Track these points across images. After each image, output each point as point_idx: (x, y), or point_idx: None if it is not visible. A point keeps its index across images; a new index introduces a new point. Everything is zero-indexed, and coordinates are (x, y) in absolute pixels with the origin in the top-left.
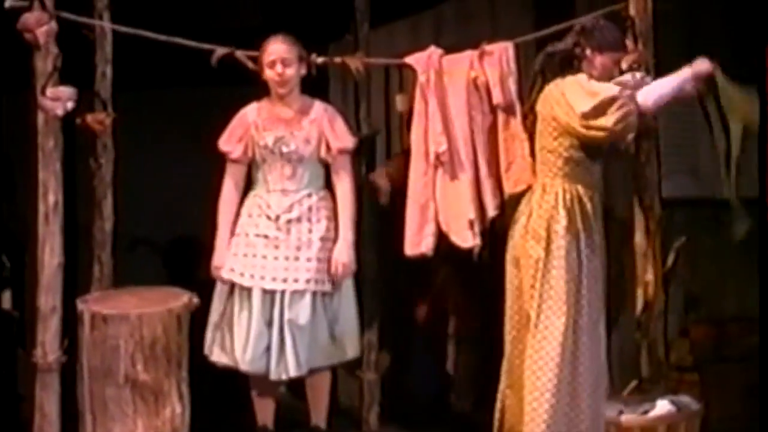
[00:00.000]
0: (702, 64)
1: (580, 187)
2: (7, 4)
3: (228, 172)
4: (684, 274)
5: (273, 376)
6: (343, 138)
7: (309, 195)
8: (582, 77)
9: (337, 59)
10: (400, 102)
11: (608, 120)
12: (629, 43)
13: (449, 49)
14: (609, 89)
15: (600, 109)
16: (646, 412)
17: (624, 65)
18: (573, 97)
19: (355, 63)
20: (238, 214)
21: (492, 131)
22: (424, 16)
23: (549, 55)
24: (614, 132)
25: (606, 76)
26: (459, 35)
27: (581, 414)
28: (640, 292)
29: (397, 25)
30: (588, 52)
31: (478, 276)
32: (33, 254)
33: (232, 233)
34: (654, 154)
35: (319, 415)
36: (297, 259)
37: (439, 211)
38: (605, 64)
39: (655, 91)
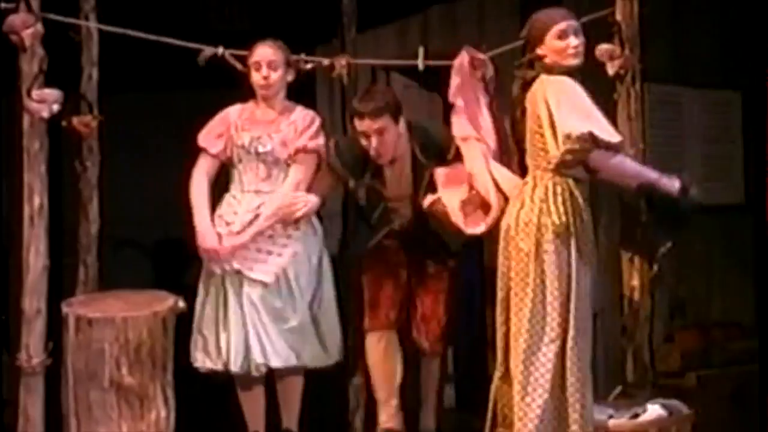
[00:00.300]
0: (672, 183)
1: (570, 181)
2: None
3: (199, 163)
4: (670, 279)
5: (254, 372)
6: (305, 137)
7: None
8: (567, 86)
9: (325, 60)
10: None
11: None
12: (616, 48)
13: (436, 55)
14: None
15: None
16: (636, 416)
17: (611, 71)
18: (559, 112)
19: (341, 62)
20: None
21: None
22: (411, 21)
23: (519, 77)
24: (564, 156)
25: (565, 54)
26: (446, 39)
27: (571, 410)
28: (626, 298)
29: (384, 29)
30: (537, 50)
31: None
32: (17, 257)
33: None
34: (640, 160)
35: (291, 420)
36: (270, 253)
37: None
38: (554, 47)
39: (617, 165)
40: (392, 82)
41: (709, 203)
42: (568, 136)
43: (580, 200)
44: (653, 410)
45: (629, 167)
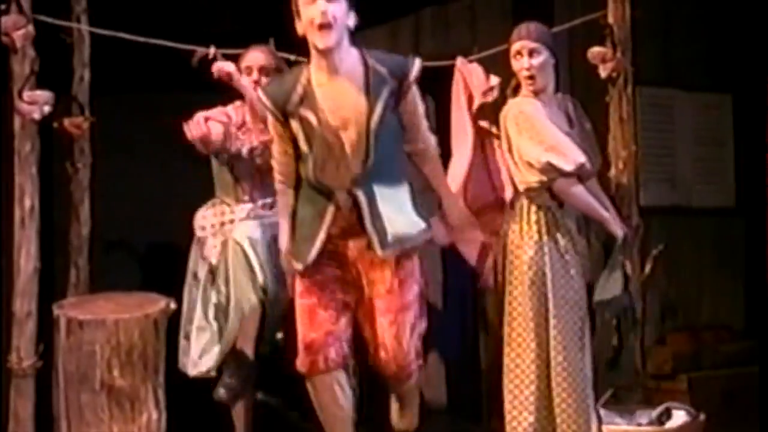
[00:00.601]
0: (617, 229)
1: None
2: None
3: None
4: (661, 282)
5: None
6: None
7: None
8: (526, 111)
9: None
10: None
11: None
12: (609, 50)
13: (428, 56)
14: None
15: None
16: (661, 423)
17: (603, 73)
18: (519, 139)
19: None
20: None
21: None
22: (402, 22)
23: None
24: (529, 184)
25: (519, 75)
26: (438, 41)
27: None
28: None
29: (376, 30)
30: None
31: None
32: (8, 259)
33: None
34: (632, 163)
35: None
36: None
37: None
38: (513, 67)
39: (576, 195)
40: None
41: (700, 206)
42: (530, 165)
43: (558, 214)
44: (678, 416)
45: (585, 200)
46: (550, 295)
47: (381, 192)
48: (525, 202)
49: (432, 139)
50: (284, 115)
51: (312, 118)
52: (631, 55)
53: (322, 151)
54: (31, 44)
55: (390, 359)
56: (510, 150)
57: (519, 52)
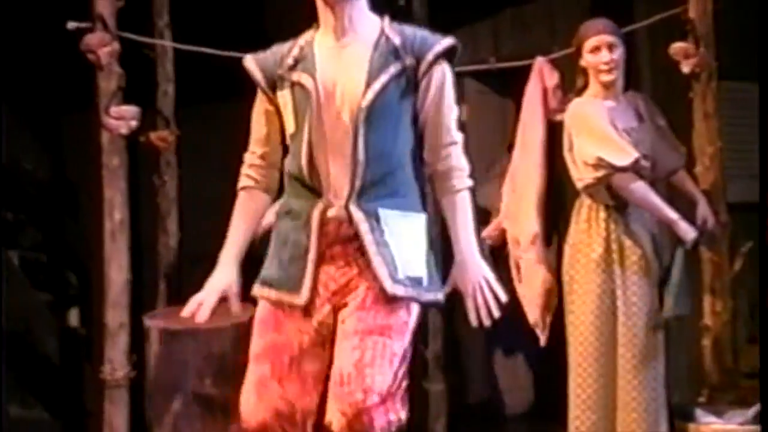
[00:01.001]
0: (688, 233)
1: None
2: (69, 25)
3: None
4: (751, 279)
5: None
6: None
7: None
8: (583, 111)
9: None
10: (463, 112)
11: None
12: (691, 46)
13: (507, 58)
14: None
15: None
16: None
17: (686, 69)
18: (577, 138)
19: None
20: None
21: None
22: (481, 25)
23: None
24: (585, 181)
25: (597, 70)
26: (516, 43)
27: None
28: (707, 299)
29: (454, 34)
30: (580, 61)
31: None
32: (99, 272)
33: None
34: (718, 159)
35: None
36: None
37: None
38: (588, 62)
39: (638, 192)
40: (465, 88)
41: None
42: (585, 163)
43: (623, 214)
44: None
45: (650, 199)
46: (619, 293)
47: (386, 215)
48: (587, 201)
49: (461, 159)
50: (272, 86)
51: (307, 82)
52: (714, 49)
53: (316, 133)
54: (116, 61)
55: (342, 396)
56: (570, 149)
57: (597, 47)
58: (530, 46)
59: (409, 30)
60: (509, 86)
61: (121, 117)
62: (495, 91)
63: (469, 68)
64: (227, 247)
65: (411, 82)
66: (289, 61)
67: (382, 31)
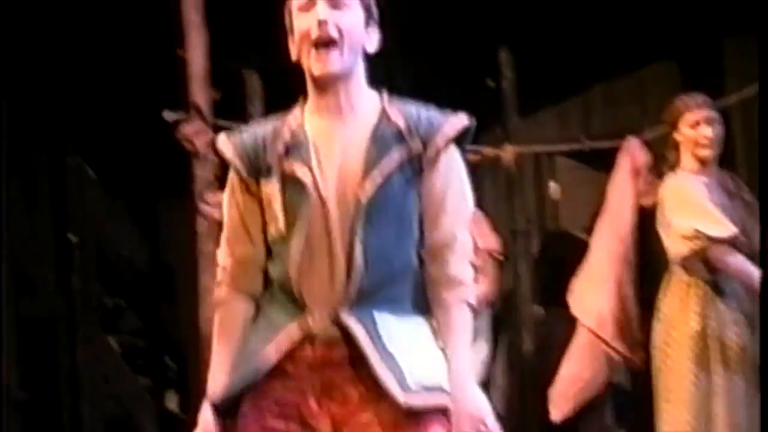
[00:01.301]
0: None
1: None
2: (166, 116)
3: None
4: None
5: None
6: None
7: None
8: (681, 187)
9: (488, 150)
10: (554, 191)
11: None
12: None
13: (598, 136)
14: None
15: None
16: None
17: None
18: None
19: (508, 155)
20: None
21: None
22: (571, 102)
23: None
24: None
25: (697, 145)
26: (607, 120)
27: None
28: None
29: (545, 112)
30: (674, 135)
31: None
32: (196, 357)
33: None
34: None
35: None
36: None
37: None
38: (687, 136)
39: (737, 264)
40: (557, 166)
41: None
42: (682, 236)
43: (719, 289)
44: None
45: (745, 270)
46: (717, 366)
47: (385, 324)
48: (684, 276)
49: (460, 267)
50: (256, 175)
51: (304, 175)
52: None
53: (310, 237)
54: (212, 149)
55: None
56: (662, 224)
57: (697, 122)
58: (621, 121)
59: (413, 108)
60: (603, 160)
61: (217, 204)
62: (589, 166)
63: (560, 148)
64: (214, 357)
65: (417, 171)
66: (278, 147)
67: (383, 111)
